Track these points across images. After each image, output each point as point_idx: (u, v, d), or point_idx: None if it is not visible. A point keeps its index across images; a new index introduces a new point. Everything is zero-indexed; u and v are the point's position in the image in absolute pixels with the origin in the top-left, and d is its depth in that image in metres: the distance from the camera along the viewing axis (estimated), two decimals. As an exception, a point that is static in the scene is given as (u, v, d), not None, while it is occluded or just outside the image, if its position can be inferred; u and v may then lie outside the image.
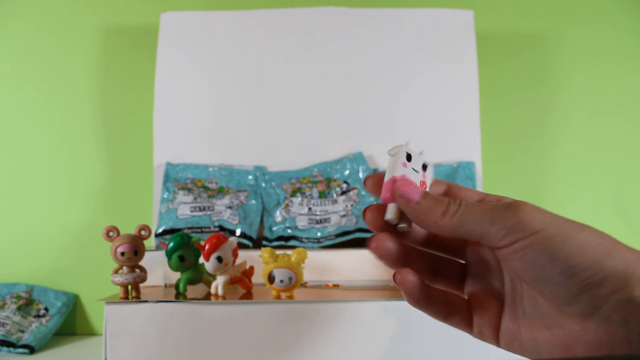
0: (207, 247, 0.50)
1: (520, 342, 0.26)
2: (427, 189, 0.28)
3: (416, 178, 0.28)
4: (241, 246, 0.66)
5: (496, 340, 0.27)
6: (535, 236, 0.23)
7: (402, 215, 0.27)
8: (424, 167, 0.29)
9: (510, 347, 0.26)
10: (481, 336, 0.27)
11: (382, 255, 0.27)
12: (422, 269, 0.29)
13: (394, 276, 0.27)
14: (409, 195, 0.26)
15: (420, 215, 0.26)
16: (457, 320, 0.28)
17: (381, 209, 0.27)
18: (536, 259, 0.23)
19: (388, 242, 0.27)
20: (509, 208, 0.23)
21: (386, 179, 0.27)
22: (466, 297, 0.29)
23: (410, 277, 0.26)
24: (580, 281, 0.22)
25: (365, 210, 0.28)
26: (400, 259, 0.27)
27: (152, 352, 0.48)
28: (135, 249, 0.50)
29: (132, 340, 0.48)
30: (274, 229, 0.69)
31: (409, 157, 0.28)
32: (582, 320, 0.23)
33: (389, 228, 0.28)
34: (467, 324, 0.28)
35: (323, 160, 0.74)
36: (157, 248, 0.64)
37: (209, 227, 0.66)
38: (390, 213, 0.27)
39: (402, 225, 0.27)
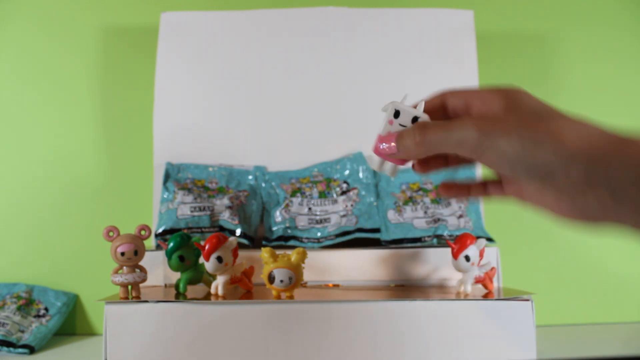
0: (207, 247, 0.50)
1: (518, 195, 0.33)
2: None
3: None
4: (241, 246, 0.66)
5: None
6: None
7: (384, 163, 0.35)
8: (415, 119, 0.33)
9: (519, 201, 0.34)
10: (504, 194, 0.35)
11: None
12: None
13: (438, 189, 0.36)
14: (387, 152, 0.33)
15: (405, 157, 0.33)
16: (488, 193, 0.36)
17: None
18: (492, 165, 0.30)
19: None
20: (461, 127, 0.30)
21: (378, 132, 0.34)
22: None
23: (443, 189, 0.37)
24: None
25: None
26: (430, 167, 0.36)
27: (152, 352, 0.48)
28: (135, 249, 0.50)
29: (132, 340, 0.48)
30: (274, 229, 0.69)
31: (397, 114, 0.33)
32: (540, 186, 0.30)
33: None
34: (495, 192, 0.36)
35: (323, 160, 0.74)
36: (157, 248, 0.64)
37: (209, 227, 0.66)
38: (374, 164, 0.35)
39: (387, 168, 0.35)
